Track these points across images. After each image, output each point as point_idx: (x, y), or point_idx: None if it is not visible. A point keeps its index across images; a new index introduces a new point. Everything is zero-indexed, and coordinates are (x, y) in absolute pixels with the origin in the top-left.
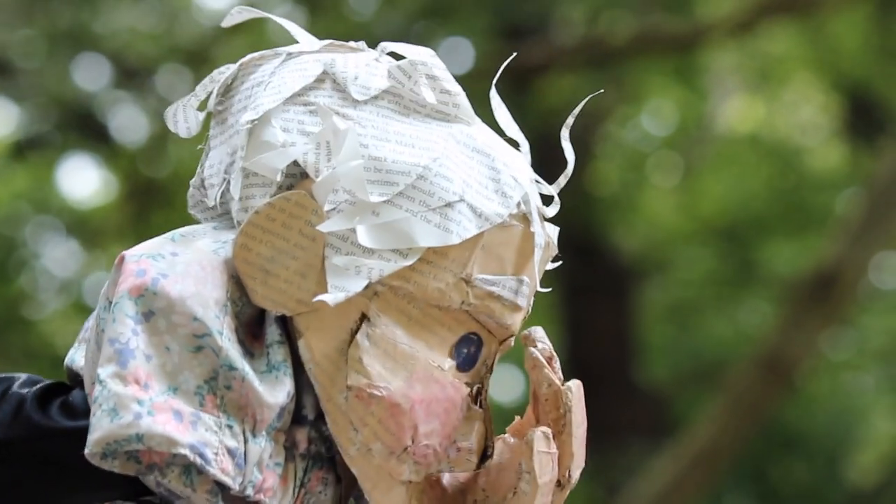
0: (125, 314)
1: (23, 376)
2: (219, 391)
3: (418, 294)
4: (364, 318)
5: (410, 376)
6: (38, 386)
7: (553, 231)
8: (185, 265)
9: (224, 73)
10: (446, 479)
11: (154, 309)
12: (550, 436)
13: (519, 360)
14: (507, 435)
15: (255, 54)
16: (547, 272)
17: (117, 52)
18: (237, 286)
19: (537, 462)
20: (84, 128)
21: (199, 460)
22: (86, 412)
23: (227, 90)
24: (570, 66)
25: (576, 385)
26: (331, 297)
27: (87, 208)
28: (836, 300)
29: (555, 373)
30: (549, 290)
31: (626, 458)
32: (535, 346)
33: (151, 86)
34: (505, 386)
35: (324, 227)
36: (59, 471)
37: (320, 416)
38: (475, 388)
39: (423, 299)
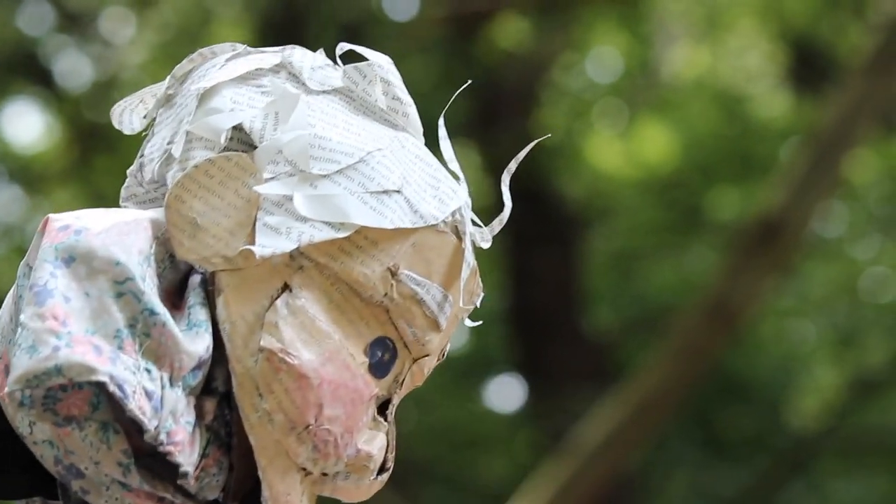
0: (45, 261)
1: None
2: (138, 337)
3: (343, 276)
4: (286, 288)
5: (323, 354)
6: None
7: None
8: (110, 221)
9: (182, 68)
10: None
11: (75, 255)
12: None
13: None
14: None
15: (214, 46)
16: (483, 218)
17: None
18: (162, 248)
19: None
20: (27, 72)
21: (117, 392)
22: None
23: (182, 78)
24: (516, 12)
25: None
26: (258, 250)
27: (30, 153)
28: (780, 248)
29: None
30: (478, 323)
31: (571, 405)
32: None
33: (95, 30)
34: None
35: (261, 189)
36: None
37: (228, 394)
38: (384, 401)
39: (347, 283)
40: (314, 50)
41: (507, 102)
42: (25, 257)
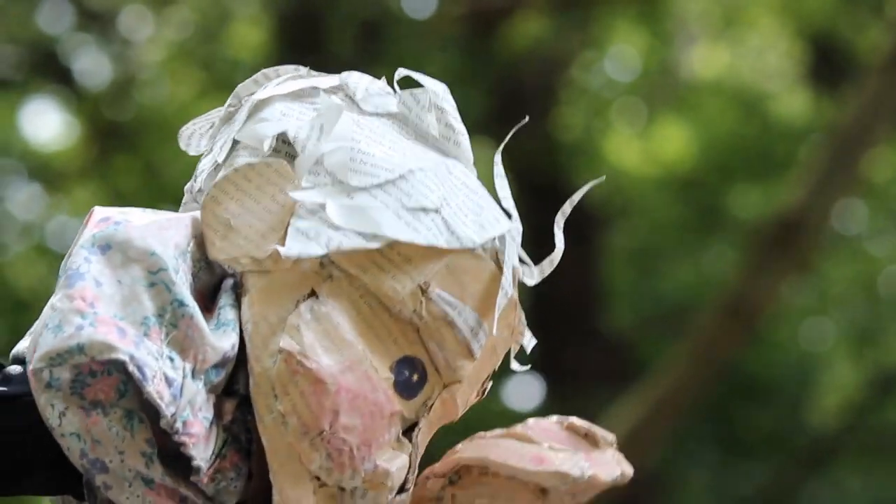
0: (81, 248)
1: None
2: (165, 327)
3: (373, 289)
4: (313, 294)
5: (343, 362)
6: None
7: (529, 341)
8: (151, 218)
9: (246, 88)
10: None
11: (111, 243)
12: None
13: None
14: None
15: (279, 67)
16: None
17: None
18: (200, 249)
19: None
20: (47, 70)
21: (136, 373)
22: (22, 381)
23: (246, 98)
24: (535, 10)
25: None
26: (284, 250)
27: (49, 151)
28: (799, 246)
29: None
30: (525, 368)
31: (590, 404)
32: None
33: (114, 29)
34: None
35: (297, 196)
36: None
37: (249, 399)
38: (410, 424)
39: (376, 296)
40: (333, 48)
41: (525, 100)
42: (68, 252)
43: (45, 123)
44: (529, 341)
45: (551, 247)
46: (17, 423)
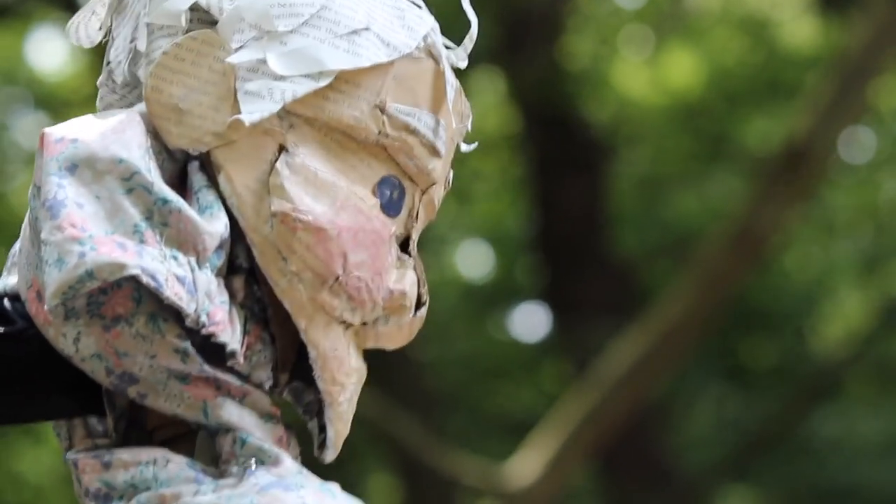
0: (49, 175)
1: None
2: (157, 228)
3: (334, 124)
4: (282, 149)
5: (334, 204)
6: None
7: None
8: (104, 124)
9: None
10: None
11: (77, 162)
12: None
13: (488, 234)
14: None
15: None
16: (508, 145)
17: None
18: (157, 141)
19: None
20: None
21: (151, 282)
22: (23, 316)
23: None
24: None
25: None
26: (245, 117)
27: (55, 79)
28: (805, 175)
29: None
30: (473, 146)
31: (595, 334)
32: None
33: None
34: (474, 262)
35: (233, 59)
36: None
37: (252, 270)
38: (404, 238)
39: (339, 129)
40: None
41: (532, 28)
42: (33, 180)
43: (51, 51)
44: (471, 121)
45: (559, 178)
46: (25, 355)
